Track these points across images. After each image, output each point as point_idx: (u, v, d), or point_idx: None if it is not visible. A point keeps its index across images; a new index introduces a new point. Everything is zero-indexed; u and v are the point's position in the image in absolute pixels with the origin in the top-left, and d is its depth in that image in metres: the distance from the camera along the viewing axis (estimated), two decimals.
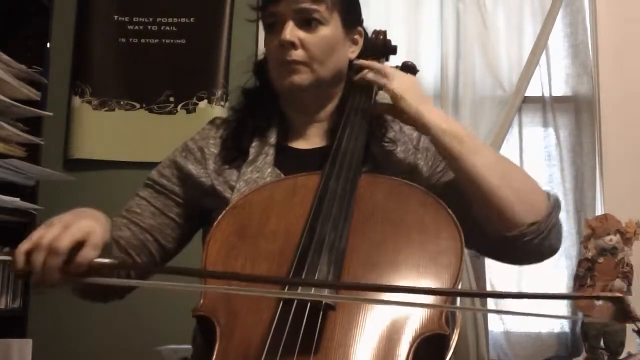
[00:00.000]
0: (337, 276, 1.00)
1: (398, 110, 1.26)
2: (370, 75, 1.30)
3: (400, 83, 1.26)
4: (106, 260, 1.02)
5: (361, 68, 1.33)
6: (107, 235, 1.08)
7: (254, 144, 1.33)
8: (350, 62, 1.37)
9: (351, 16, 1.36)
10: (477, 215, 1.21)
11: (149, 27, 2.73)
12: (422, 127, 1.24)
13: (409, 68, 1.35)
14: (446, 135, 1.22)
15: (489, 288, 2.55)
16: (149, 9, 2.74)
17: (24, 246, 1.00)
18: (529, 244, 1.19)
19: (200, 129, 1.42)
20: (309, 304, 0.96)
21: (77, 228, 1.02)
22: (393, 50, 1.44)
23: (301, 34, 1.28)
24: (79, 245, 1.00)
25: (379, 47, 1.42)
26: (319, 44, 1.29)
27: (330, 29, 1.30)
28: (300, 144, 1.36)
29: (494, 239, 1.21)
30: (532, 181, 1.25)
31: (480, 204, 1.21)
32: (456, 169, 1.23)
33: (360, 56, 1.37)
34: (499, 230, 1.20)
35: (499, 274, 2.57)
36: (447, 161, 1.25)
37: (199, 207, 1.35)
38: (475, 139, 1.28)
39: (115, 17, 2.73)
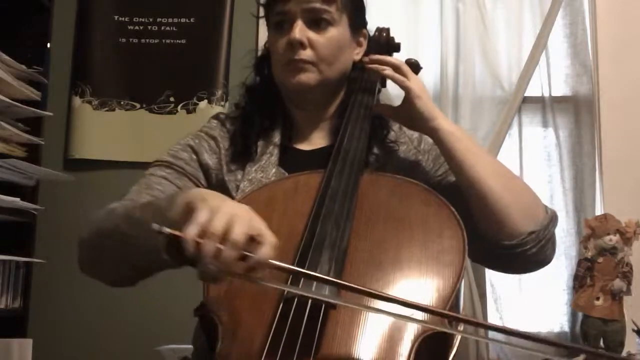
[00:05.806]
0: (338, 274, 0.99)
1: (408, 110, 1.24)
2: (388, 72, 1.27)
3: (417, 82, 1.26)
4: (285, 265, 0.89)
5: (375, 63, 1.30)
6: None
7: (258, 143, 1.33)
8: (354, 63, 1.36)
9: (358, 18, 1.35)
10: (477, 222, 1.20)
11: (149, 27, 2.73)
12: (431, 128, 1.23)
13: (412, 65, 1.33)
14: (453, 137, 1.22)
15: (488, 288, 2.56)
16: (149, 9, 2.74)
17: (192, 230, 0.87)
18: (526, 254, 1.19)
19: (206, 124, 1.39)
20: (309, 302, 0.95)
21: (255, 220, 0.91)
22: (396, 47, 1.43)
23: (310, 33, 1.27)
24: (251, 240, 0.89)
25: (383, 44, 1.41)
26: (328, 44, 1.28)
27: (339, 30, 1.30)
28: (303, 145, 1.36)
29: (491, 247, 1.20)
30: (531, 191, 1.25)
31: (481, 210, 1.20)
32: (460, 173, 1.22)
33: (364, 56, 1.36)
34: (498, 238, 1.19)
35: (499, 274, 2.57)
36: (451, 164, 1.24)
37: None
38: (479, 146, 1.28)
39: (116, 17, 2.73)
